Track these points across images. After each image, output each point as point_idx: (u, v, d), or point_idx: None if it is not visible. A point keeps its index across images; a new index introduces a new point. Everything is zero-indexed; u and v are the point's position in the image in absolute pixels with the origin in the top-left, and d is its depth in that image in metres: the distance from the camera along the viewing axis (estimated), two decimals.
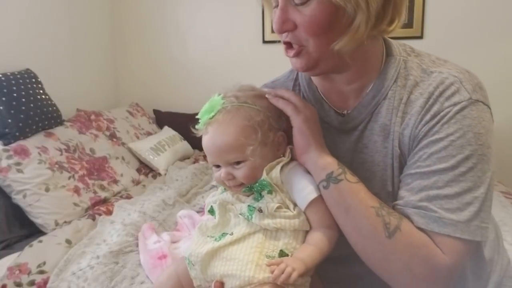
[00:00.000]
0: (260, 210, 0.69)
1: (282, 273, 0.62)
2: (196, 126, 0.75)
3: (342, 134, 0.76)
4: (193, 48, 3.16)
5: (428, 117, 0.66)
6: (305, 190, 0.70)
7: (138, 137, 2.80)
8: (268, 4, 0.73)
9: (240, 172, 0.71)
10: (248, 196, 0.73)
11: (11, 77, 2.08)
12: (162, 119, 3.17)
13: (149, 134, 2.93)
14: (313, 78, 0.80)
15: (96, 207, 2.01)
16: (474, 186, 0.63)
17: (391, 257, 0.65)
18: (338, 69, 0.71)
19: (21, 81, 2.11)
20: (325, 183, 0.68)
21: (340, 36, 0.64)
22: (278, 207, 0.69)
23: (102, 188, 2.17)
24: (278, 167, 0.71)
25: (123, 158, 2.51)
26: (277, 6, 0.67)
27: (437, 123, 0.65)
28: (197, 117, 0.75)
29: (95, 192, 2.10)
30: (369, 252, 0.68)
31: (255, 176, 0.71)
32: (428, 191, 0.64)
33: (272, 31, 2.95)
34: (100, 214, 1.92)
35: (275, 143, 0.73)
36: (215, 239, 0.71)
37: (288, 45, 0.68)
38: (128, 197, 2.16)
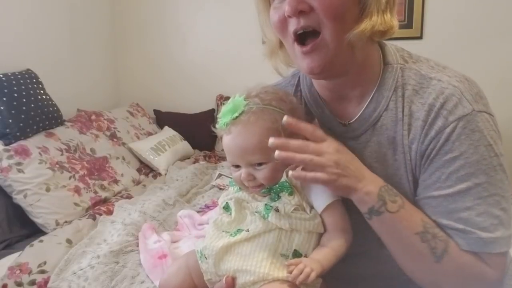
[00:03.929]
0: (277, 210, 0.69)
1: (301, 273, 0.63)
2: (217, 126, 0.74)
3: (343, 142, 0.75)
4: (193, 48, 3.16)
5: (433, 132, 0.66)
6: (322, 195, 0.70)
7: (138, 137, 2.80)
8: (263, 4, 0.72)
9: (261, 174, 0.71)
10: (265, 196, 0.73)
11: (12, 77, 2.08)
12: (163, 119, 3.17)
13: (149, 134, 2.93)
14: (315, 84, 0.79)
15: (97, 207, 2.01)
16: (500, 198, 0.65)
17: (443, 279, 0.67)
18: (344, 69, 0.69)
19: (22, 81, 2.11)
20: (367, 215, 0.68)
21: (354, 25, 0.63)
22: (295, 209, 0.70)
23: (103, 188, 2.17)
24: (299, 170, 0.71)
25: (123, 158, 2.52)
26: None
27: (446, 140, 0.65)
28: (218, 116, 0.74)
29: (95, 192, 2.11)
30: (419, 274, 0.70)
31: (275, 177, 0.71)
32: (459, 213, 0.65)
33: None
34: (100, 214, 1.93)
35: None
36: (231, 234, 0.72)
37: (300, 41, 0.66)
38: (129, 197, 2.17)
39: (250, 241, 0.70)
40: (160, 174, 2.59)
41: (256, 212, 0.72)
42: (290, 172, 0.67)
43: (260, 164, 0.71)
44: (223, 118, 0.72)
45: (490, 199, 0.64)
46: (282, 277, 0.66)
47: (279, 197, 0.71)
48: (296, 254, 0.69)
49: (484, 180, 0.64)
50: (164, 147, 2.74)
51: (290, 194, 0.71)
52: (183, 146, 2.92)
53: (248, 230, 0.71)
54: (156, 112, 3.22)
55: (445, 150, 0.65)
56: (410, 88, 0.70)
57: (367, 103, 0.73)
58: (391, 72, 0.71)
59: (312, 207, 0.71)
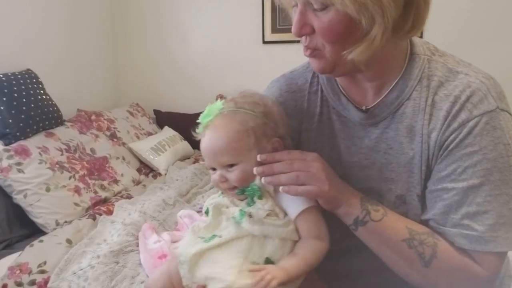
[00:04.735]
0: (250, 215, 0.69)
1: (262, 280, 0.63)
2: (196, 130, 0.77)
3: (360, 129, 0.76)
4: (193, 48, 3.16)
5: (455, 124, 0.66)
6: (295, 201, 0.70)
7: (138, 137, 2.80)
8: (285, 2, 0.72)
9: (233, 175, 0.72)
10: (242, 200, 0.74)
11: (12, 77, 2.08)
12: (162, 119, 3.17)
13: (149, 134, 2.93)
14: None
15: (97, 207, 2.01)
16: (510, 198, 0.65)
17: (433, 282, 0.68)
18: (356, 71, 0.70)
19: (22, 81, 2.11)
20: (353, 226, 0.70)
21: (356, 45, 0.63)
22: (268, 214, 0.69)
23: (103, 188, 2.17)
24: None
25: (123, 158, 2.52)
26: (295, 5, 0.66)
27: (468, 134, 0.65)
28: (197, 121, 0.76)
29: (95, 192, 2.11)
30: (409, 278, 0.71)
31: (247, 179, 0.72)
32: (468, 207, 0.65)
33: (272, 31, 2.95)
34: (100, 214, 1.93)
35: (270, 149, 0.73)
36: (205, 240, 0.72)
37: (306, 46, 0.69)
38: (129, 197, 2.16)
39: (222, 247, 0.70)
40: (160, 174, 2.59)
41: (232, 217, 0.72)
42: (281, 188, 0.69)
43: (231, 165, 0.72)
44: (200, 123, 0.75)
45: (500, 197, 0.64)
46: (248, 285, 0.65)
47: (254, 202, 0.71)
48: (268, 262, 0.68)
49: (498, 178, 0.64)
50: (164, 147, 2.74)
51: (260, 198, 0.71)
52: (183, 146, 2.91)
53: (220, 236, 0.71)
54: (156, 112, 3.22)
55: (465, 143, 0.65)
56: (436, 80, 0.69)
57: (388, 90, 0.72)
58: (417, 62, 0.71)
59: (286, 213, 0.71)
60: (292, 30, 0.66)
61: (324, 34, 0.64)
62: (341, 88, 0.78)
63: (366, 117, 0.75)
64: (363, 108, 0.75)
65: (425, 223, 0.71)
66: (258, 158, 0.70)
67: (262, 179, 0.70)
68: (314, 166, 0.69)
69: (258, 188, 0.71)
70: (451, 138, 0.66)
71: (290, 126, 0.78)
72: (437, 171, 0.69)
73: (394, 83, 0.72)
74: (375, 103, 0.73)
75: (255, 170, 0.70)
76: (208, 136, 0.74)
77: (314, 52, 0.67)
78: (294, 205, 0.70)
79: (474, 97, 0.65)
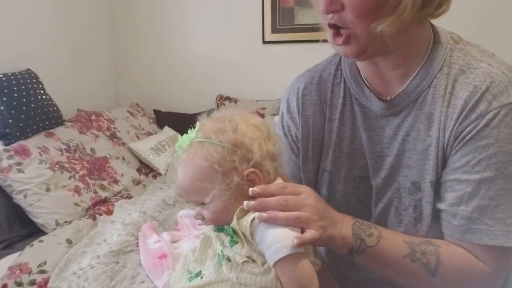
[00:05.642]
0: (229, 259, 0.64)
1: None
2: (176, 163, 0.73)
3: (381, 119, 0.76)
4: (194, 48, 3.16)
5: (473, 115, 0.65)
6: (272, 248, 0.61)
7: (138, 137, 2.80)
8: None
9: (205, 214, 0.68)
10: (227, 235, 0.67)
11: (12, 77, 2.08)
12: (163, 119, 3.17)
13: (149, 134, 2.93)
14: (357, 62, 0.80)
15: (97, 207, 2.01)
16: None
17: (443, 287, 0.68)
18: (384, 51, 0.70)
19: (22, 81, 2.11)
20: (350, 256, 0.69)
21: (385, 19, 0.63)
22: (245, 261, 0.63)
23: (103, 188, 2.17)
24: (249, 217, 0.64)
25: (123, 158, 2.52)
26: None
27: (485, 126, 0.64)
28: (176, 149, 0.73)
29: (95, 192, 2.11)
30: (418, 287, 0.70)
31: (219, 219, 0.67)
32: (479, 201, 0.65)
33: (272, 31, 2.95)
34: (100, 214, 1.93)
35: (243, 183, 0.65)
36: (190, 277, 0.68)
37: (335, 31, 0.67)
38: (129, 197, 2.17)
39: None
40: (160, 174, 2.59)
41: (218, 254, 0.67)
42: (294, 241, 0.60)
43: (204, 203, 0.67)
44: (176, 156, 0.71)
45: None
46: None
47: (235, 243, 0.64)
48: None
49: None
50: (164, 147, 2.74)
51: (235, 242, 0.64)
52: None
53: (202, 278, 0.66)
54: (156, 112, 3.22)
55: (482, 135, 0.65)
56: (457, 67, 0.69)
57: (410, 79, 0.72)
58: (440, 51, 0.71)
59: (265, 259, 0.64)
60: (321, 7, 0.65)
61: (355, 8, 0.63)
62: (364, 80, 0.78)
63: (387, 107, 0.74)
64: (387, 98, 0.75)
65: (438, 213, 0.71)
66: (250, 192, 0.63)
67: (256, 215, 0.62)
68: (309, 205, 0.64)
69: (232, 232, 0.64)
70: (468, 129, 0.66)
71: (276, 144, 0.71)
72: (451, 161, 0.68)
73: (416, 72, 0.72)
74: (397, 93, 0.73)
75: (245, 204, 0.63)
76: (178, 173, 0.69)
77: (348, 38, 0.66)
78: (269, 253, 0.62)
79: (494, 88, 0.65)
